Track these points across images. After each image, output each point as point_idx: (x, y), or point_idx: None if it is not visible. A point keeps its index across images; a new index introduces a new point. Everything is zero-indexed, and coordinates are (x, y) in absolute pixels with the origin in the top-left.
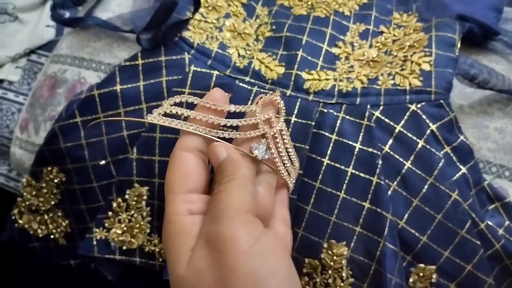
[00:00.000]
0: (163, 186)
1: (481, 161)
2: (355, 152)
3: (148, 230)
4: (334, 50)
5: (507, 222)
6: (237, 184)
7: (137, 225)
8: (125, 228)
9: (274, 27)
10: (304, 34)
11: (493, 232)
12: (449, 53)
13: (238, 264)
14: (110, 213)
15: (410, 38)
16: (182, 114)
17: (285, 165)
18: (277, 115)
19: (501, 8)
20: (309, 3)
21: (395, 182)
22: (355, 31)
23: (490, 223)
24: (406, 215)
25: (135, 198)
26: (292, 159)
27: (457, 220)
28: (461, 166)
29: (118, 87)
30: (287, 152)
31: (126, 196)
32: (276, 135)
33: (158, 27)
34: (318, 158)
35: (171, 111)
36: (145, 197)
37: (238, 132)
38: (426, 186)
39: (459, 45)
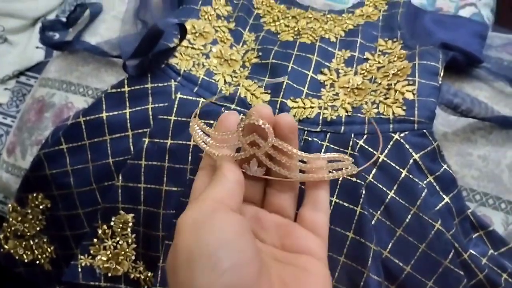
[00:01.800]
0: (148, 213)
1: (464, 189)
2: (339, 181)
3: (133, 257)
4: (320, 77)
5: (490, 251)
6: (214, 182)
7: (123, 252)
8: (110, 255)
9: (260, 53)
10: (290, 61)
11: (476, 262)
12: (432, 82)
13: (179, 243)
14: (95, 239)
15: (394, 65)
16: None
17: (301, 166)
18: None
19: (485, 35)
20: (296, 29)
21: (379, 212)
22: (340, 58)
23: (473, 252)
24: (390, 244)
25: (121, 225)
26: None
27: (441, 250)
28: (444, 196)
29: (104, 114)
30: (298, 155)
31: (112, 223)
32: (269, 151)
33: (145, 55)
34: (302, 187)
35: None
36: (130, 224)
37: (231, 155)
38: (409, 216)
39: (442, 74)
